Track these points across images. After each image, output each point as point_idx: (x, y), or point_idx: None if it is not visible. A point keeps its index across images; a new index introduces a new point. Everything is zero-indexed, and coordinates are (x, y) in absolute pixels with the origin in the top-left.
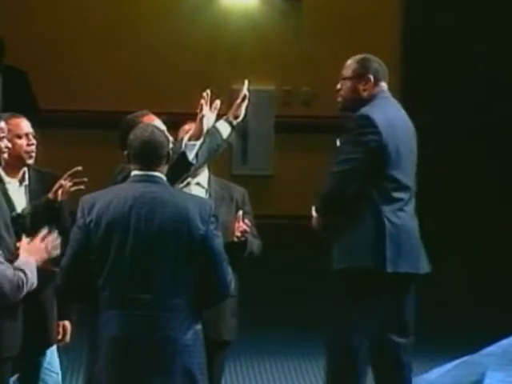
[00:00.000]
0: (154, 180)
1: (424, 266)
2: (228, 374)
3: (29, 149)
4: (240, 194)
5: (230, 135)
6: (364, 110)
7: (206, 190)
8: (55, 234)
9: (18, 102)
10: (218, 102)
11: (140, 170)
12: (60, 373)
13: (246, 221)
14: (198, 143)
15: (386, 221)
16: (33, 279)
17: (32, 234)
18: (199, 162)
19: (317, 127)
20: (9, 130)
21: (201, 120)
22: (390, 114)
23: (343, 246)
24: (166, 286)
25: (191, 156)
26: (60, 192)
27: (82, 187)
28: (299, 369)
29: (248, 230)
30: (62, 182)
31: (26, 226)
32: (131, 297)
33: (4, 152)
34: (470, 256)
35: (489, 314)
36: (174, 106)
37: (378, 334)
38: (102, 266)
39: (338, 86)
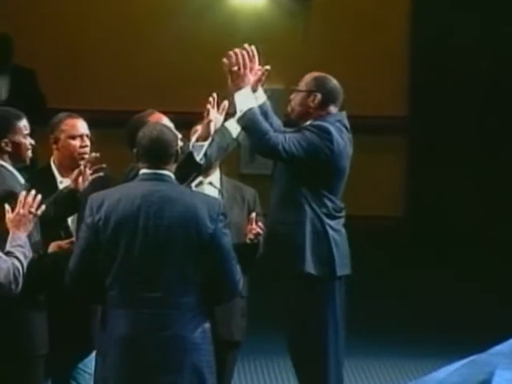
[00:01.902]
0: (162, 178)
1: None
2: (236, 375)
3: (82, 150)
4: (251, 195)
5: (239, 134)
6: (323, 122)
7: (219, 190)
8: (32, 192)
9: (25, 101)
10: (225, 103)
11: (148, 168)
12: (93, 372)
13: (260, 223)
14: (206, 144)
15: (328, 228)
16: (27, 256)
17: (55, 224)
18: (209, 160)
19: None
20: (63, 131)
21: (208, 124)
22: (341, 135)
23: (292, 250)
24: (174, 284)
25: (199, 156)
26: (80, 180)
27: (102, 174)
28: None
29: (261, 232)
30: (82, 168)
31: (48, 216)
32: (140, 295)
33: (29, 149)
34: (478, 255)
35: (498, 313)
36: (182, 106)
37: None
38: (110, 264)
39: (291, 97)
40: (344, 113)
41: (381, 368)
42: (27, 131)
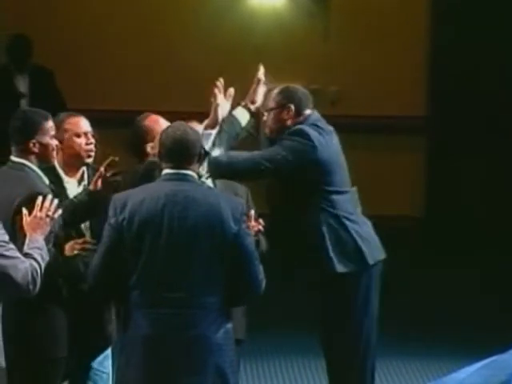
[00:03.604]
0: (185, 178)
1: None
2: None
3: (88, 148)
4: (244, 192)
5: (248, 122)
6: (300, 126)
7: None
8: (49, 197)
9: (45, 101)
10: (231, 90)
11: (172, 168)
12: (110, 372)
13: (261, 220)
14: (214, 132)
15: (345, 221)
16: (45, 258)
17: (73, 226)
18: (219, 150)
19: (344, 126)
20: (67, 130)
21: (215, 109)
22: (322, 133)
23: (316, 255)
24: (198, 284)
25: (207, 145)
26: (100, 182)
27: (119, 178)
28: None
29: (262, 229)
30: (102, 171)
31: (66, 219)
32: (164, 295)
33: (54, 150)
34: (497, 254)
35: None
36: (200, 106)
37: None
38: (134, 264)
39: (264, 118)
40: (315, 111)
41: (400, 368)
42: (53, 132)
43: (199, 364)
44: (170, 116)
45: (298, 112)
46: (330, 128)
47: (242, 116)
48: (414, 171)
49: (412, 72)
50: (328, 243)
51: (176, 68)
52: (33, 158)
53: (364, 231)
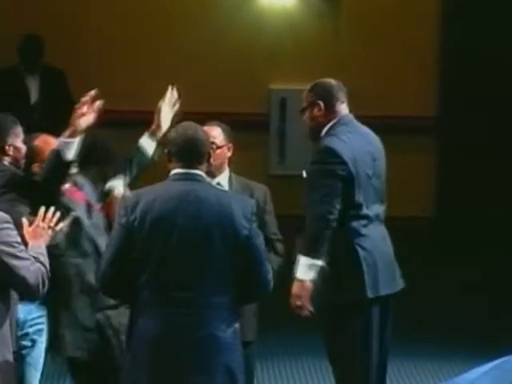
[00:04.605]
0: (195, 178)
1: (399, 283)
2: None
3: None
4: (262, 192)
5: (155, 152)
6: (327, 142)
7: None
8: (52, 209)
9: (56, 102)
10: (99, 103)
11: (181, 167)
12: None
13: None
14: (76, 140)
15: (358, 248)
16: (47, 264)
17: None
18: (129, 179)
19: None
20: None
21: (78, 117)
22: (352, 143)
23: (322, 279)
24: (210, 284)
25: (70, 154)
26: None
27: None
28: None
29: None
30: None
31: None
32: (175, 295)
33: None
34: (506, 255)
35: None
36: (212, 106)
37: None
38: (144, 263)
39: (304, 119)
40: (351, 115)
41: (410, 369)
42: (22, 136)
43: (208, 364)
44: (182, 116)
45: (329, 107)
46: (365, 130)
47: (149, 146)
48: (423, 171)
49: (421, 72)
50: (339, 272)
51: (185, 69)
52: (7, 159)
53: (376, 260)
